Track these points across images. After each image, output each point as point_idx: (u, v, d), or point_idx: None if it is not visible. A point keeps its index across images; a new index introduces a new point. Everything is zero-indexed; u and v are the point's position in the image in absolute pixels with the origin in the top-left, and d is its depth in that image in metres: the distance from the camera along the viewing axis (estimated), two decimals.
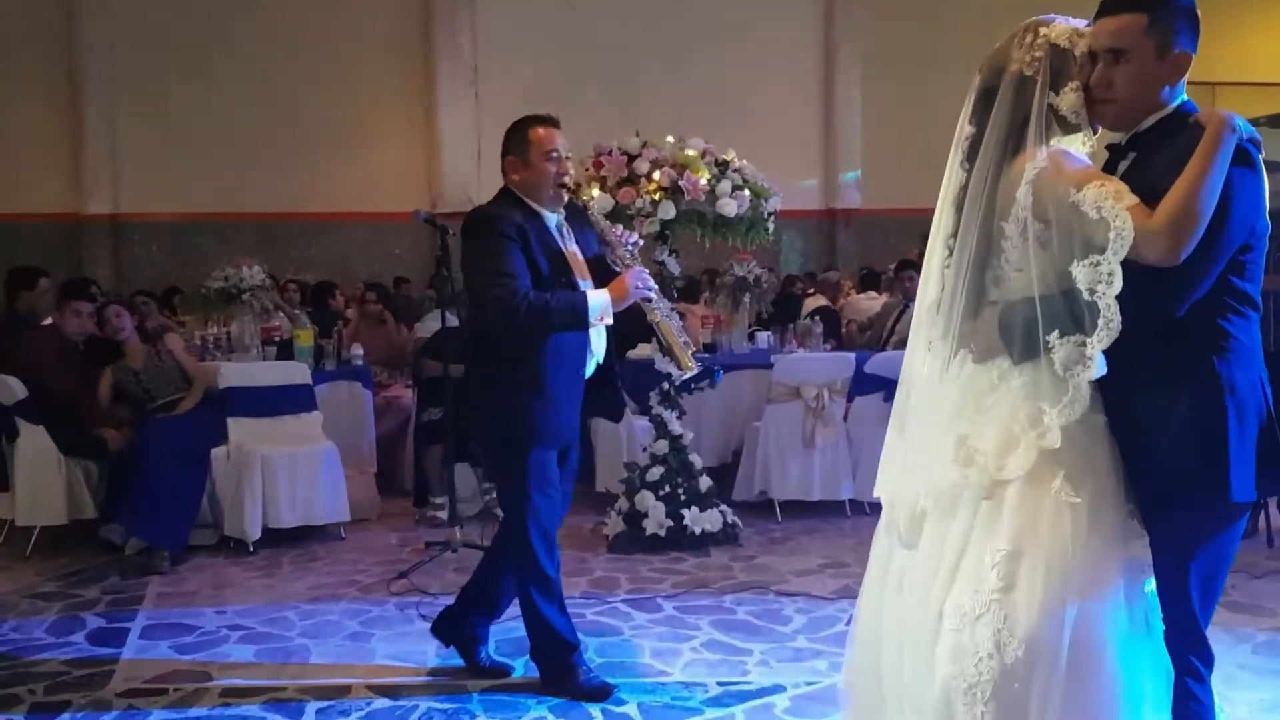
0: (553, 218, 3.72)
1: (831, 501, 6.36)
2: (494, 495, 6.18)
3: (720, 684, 3.87)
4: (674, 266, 5.68)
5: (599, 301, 3.56)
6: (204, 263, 10.66)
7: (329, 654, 4.26)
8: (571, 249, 3.74)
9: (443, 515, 6.28)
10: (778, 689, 3.81)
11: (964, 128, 2.41)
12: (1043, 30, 2.32)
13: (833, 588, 4.92)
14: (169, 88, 12.19)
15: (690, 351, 3.63)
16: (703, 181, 5.27)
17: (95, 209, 12.36)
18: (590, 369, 3.75)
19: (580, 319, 3.53)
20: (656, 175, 5.33)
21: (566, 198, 3.70)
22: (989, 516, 2.27)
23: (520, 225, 3.57)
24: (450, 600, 4.76)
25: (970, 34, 13.68)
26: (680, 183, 5.27)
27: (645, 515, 5.61)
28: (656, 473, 5.68)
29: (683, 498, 5.64)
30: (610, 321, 3.71)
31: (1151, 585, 2.29)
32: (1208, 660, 2.32)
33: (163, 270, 12.38)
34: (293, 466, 5.86)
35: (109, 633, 4.55)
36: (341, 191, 12.92)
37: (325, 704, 3.76)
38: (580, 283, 3.68)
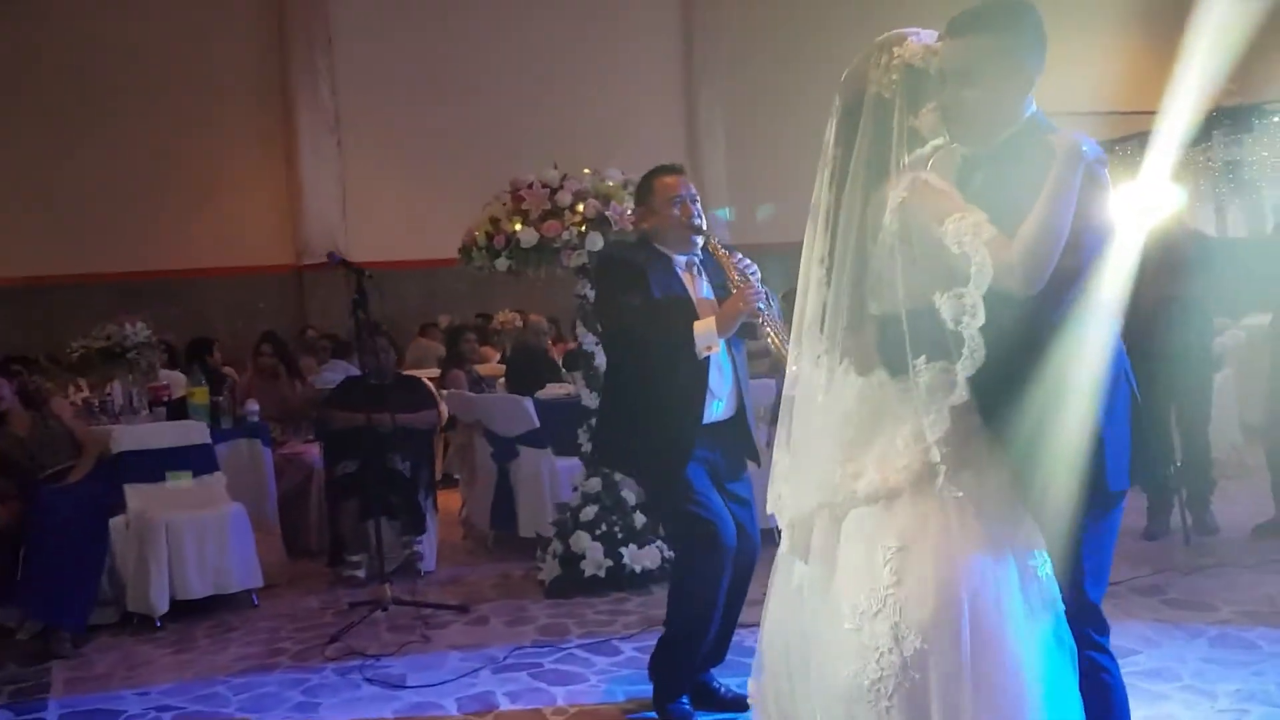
0: (681, 259, 3.79)
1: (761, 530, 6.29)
2: (413, 549, 5.96)
3: None
4: None
5: (703, 333, 3.55)
6: (55, 328, 10.04)
7: None
8: (702, 293, 3.78)
9: (360, 574, 5.99)
10: None
11: (829, 148, 2.45)
12: (897, 50, 2.36)
13: None
14: (17, 140, 11.46)
15: None
16: (629, 211, 5.18)
17: None
18: (714, 413, 3.71)
19: (671, 341, 3.57)
20: (580, 207, 5.23)
21: (700, 241, 3.74)
22: (877, 517, 2.31)
23: (640, 266, 3.71)
24: (394, 661, 4.55)
25: (827, 70, 14.31)
26: (607, 213, 5.17)
27: (582, 556, 5.43)
28: (590, 511, 5.52)
29: (619, 535, 5.49)
30: (716, 349, 3.62)
31: (1047, 567, 2.32)
32: (1104, 630, 2.40)
33: (9, 337, 11.56)
34: (200, 532, 5.47)
35: None
36: (201, 245, 12.35)
37: None
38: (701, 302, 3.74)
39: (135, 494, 5.53)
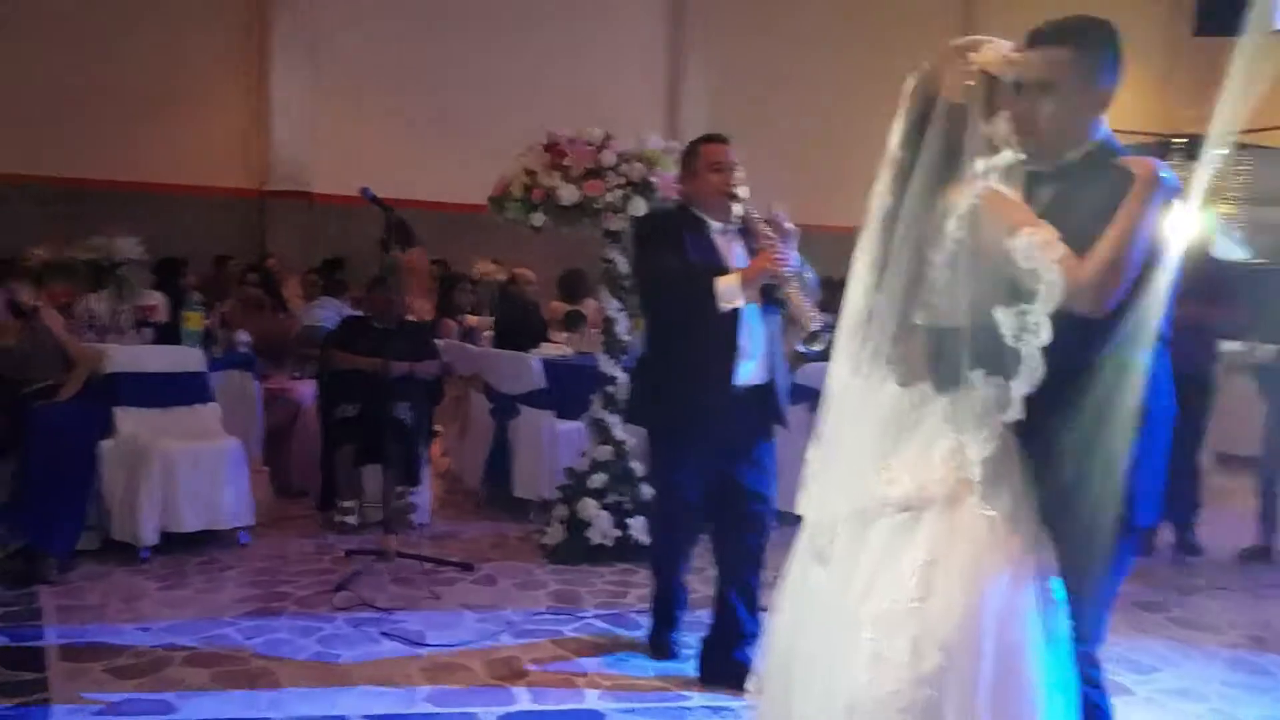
0: (718, 226, 3.83)
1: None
2: (407, 500, 5.81)
3: (748, 707, 3.68)
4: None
5: (726, 287, 3.57)
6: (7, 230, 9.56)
7: (300, 678, 3.80)
8: (736, 261, 3.78)
9: (352, 520, 5.83)
10: None
11: (894, 151, 2.39)
12: (973, 56, 2.32)
13: None
14: None
15: (813, 316, 3.48)
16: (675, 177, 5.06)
17: None
18: (746, 374, 3.76)
19: (702, 291, 3.57)
20: (623, 168, 5.10)
21: (738, 210, 3.69)
22: (906, 528, 2.26)
23: (676, 228, 3.83)
24: (407, 615, 4.44)
25: (816, 45, 14.29)
26: (652, 179, 5.05)
27: (589, 524, 5.34)
28: (599, 480, 5.42)
29: (628, 507, 5.41)
30: (741, 304, 3.63)
31: (1062, 594, 2.30)
32: (1099, 665, 2.40)
33: None
34: (195, 464, 5.26)
35: (19, 655, 3.91)
36: (153, 159, 11.82)
37: None
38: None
39: (127, 418, 5.30)
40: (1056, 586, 2.28)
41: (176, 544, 5.24)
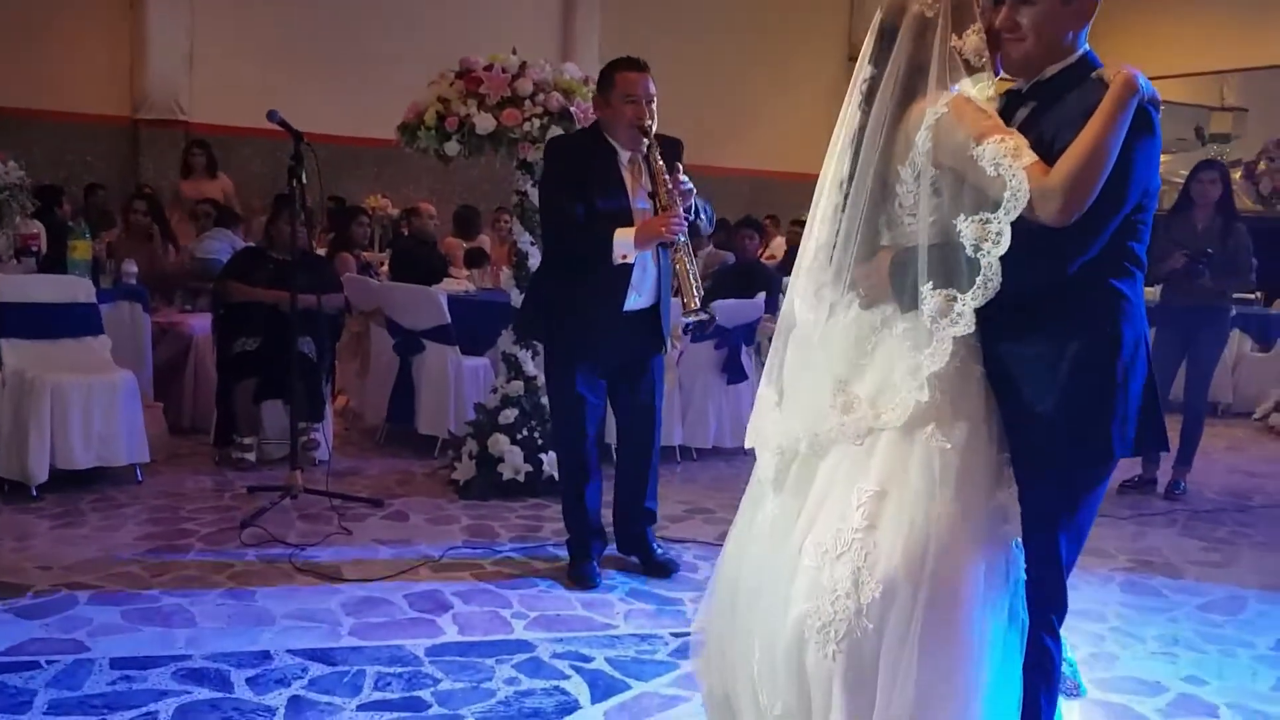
0: (626, 155, 3.99)
1: (664, 447, 6.29)
2: (310, 436, 5.66)
3: (675, 635, 3.72)
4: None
5: (621, 240, 3.81)
6: None
7: (216, 616, 3.69)
8: (639, 202, 3.97)
9: (250, 457, 5.66)
10: None
11: (862, 68, 2.35)
12: None
13: (714, 534, 4.87)
14: None
15: (699, 296, 3.70)
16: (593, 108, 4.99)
17: None
18: (634, 303, 3.99)
19: (600, 253, 3.84)
20: (540, 98, 5.00)
21: (646, 142, 3.83)
22: (858, 458, 2.23)
23: (584, 154, 3.96)
24: (320, 550, 4.37)
25: None
26: (571, 108, 4.96)
27: (500, 460, 5.30)
28: (510, 415, 5.37)
29: (539, 442, 5.37)
30: (631, 259, 3.88)
31: (1016, 536, 2.28)
32: (1062, 613, 2.36)
33: None
34: (87, 398, 5.02)
35: None
36: (23, 84, 11.15)
37: (253, 671, 3.25)
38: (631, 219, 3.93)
39: (12, 350, 5.03)
40: (1014, 530, 2.24)
41: (68, 482, 5.03)
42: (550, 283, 4.13)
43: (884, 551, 2.13)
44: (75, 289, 5.33)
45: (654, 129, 3.86)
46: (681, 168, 3.93)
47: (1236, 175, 8.06)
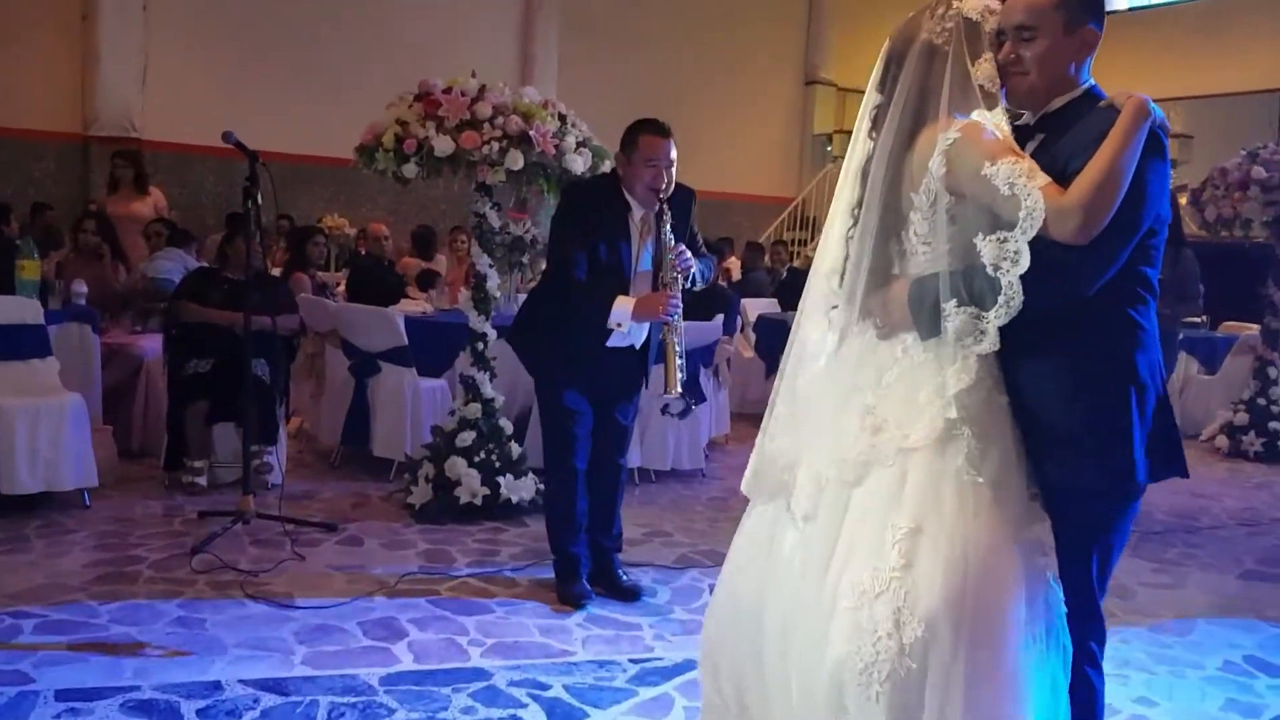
0: (639, 212, 4.12)
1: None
2: (263, 459, 5.59)
3: (633, 661, 3.71)
4: (517, 226, 5.33)
5: (620, 310, 3.99)
6: None
7: (166, 643, 3.63)
8: (643, 264, 4.16)
9: (201, 481, 5.58)
10: (691, 664, 3.70)
11: (870, 97, 2.39)
12: (955, 3, 2.33)
13: (672, 557, 4.86)
14: None
15: (680, 380, 3.95)
16: (552, 132, 4.99)
17: None
18: (617, 340, 4.15)
19: (598, 319, 4.02)
20: (500, 121, 4.99)
21: (658, 206, 4.00)
22: (890, 491, 2.23)
23: (599, 206, 4.10)
24: (273, 578, 4.33)
25: (667, 14, 14.29)
26: (530, 132, 4.96)
27: (457, 483, 5.26)
28: (468, 438, 5.33)
29: (497, 465, 5.34)
30: (625, 329, 4.08)
31: (1053, 568, 2.31)
32: (1102, 642, 2.38)
33: None
34: (33, 421, 4.92)
35: None
36: None
37: (204, 703, 3.20)
38: (630, 273, 4.12)
39: None
40: (1050, 561, 2.26)
41: (13, 507, 4.92)
42: (546, 305, 4.26)
43: (924, 590, 2.13)
44: (23, 310, 5.24)
45: (671, 190, 4.01)
46: (695, 226, 4.31)
47: (1183, 201, 8.20)
